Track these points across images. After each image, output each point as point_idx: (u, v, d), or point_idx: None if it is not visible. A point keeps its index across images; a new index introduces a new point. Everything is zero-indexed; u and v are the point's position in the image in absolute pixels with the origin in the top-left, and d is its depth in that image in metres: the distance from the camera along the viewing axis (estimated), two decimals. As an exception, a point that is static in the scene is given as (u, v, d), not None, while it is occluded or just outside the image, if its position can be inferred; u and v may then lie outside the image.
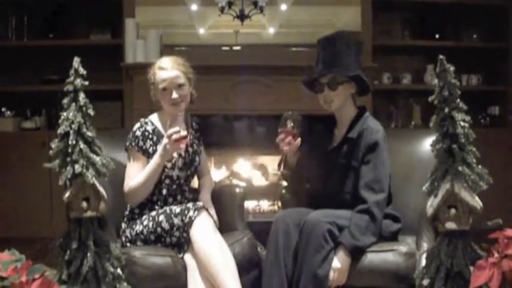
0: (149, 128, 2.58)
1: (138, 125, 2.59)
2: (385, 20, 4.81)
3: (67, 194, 2.11)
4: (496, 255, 2.02)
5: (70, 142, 2.08)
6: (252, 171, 4.75)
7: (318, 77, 2.50)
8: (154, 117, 2.65)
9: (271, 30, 4.73)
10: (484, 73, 4.83)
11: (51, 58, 4.56)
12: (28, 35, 4.68)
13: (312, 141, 2.62)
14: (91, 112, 2.14)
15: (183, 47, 4.62)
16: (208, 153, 3.05)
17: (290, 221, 2.39)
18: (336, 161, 2.52)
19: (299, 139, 2.47)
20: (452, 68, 2.08)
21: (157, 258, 2.33)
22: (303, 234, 2.30)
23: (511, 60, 4.70)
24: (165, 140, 2.42)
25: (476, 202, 2.05)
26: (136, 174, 2.50)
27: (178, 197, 2.62)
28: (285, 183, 2.97)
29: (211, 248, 2.28)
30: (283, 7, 4.65)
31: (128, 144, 2.56)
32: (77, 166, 2.07)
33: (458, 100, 2.09)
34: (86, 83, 2.14)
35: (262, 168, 4.78)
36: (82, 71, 2.12)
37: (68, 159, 2.09)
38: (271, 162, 4.71)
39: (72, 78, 2.12)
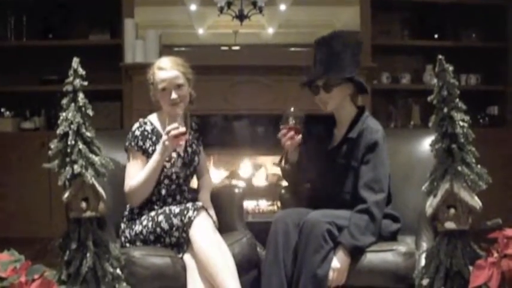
0: (148, 127, 2.58)
1: (137, 124, 2.59)
2: (384, 20, 4.81)
3: (66, 194, 2.11)
4: (496, 254, 2.02)
5: (69, 142, 2.08)
6: (252, 171, 4.75)
7: (313, 79, 2.50)
8: (153, 117, 2.65)
9: (270, 30, 4.73)
10: (483, 73, 4.83)
11: (50, 58, 4.55)
12: (27, 35, 4.68)
13: (312, 141, 2.62)
14: (90, 112, 2.14)
15: (182, 47, 4.61)
16: (208, 153, 3.05)
17: (289, 221, 2.39)
18: (335, 161, 2.52)
19: (300, 135, 2.47)
20: (451, 68, 2.08)
21: (156, 259, 2.32)
22: (303, 234, 2.30)
23: (510, 60, 4.70)
24: (164, 137, 2.42)
25: (476, 202, 2.05)
26: (137, 174, 2.50)
27: (178, 197, 2.62)
28: (284, 183, 2.97)
29: (211, 248, 2.28)
30: (282, 7, 4.65)
31: (127, 144, 2.56)
32: (76, 166, 2.07)
33: (457, 100, 2.09)
34: (85, 83, 2.14)
35: (262, 168, 4.78)
36: (81, 71, 2.13)
37: (67, 159, 2.09)
38: (271, 162, 4.71)
39: (71, 79, 2.12)
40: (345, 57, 2.45)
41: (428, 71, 4.73)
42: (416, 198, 2.44)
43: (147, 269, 2.29)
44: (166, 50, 4.28)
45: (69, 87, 2.12)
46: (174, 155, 2.57)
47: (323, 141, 2.62)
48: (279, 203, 3.62)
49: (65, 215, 2.24)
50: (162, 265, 2.32)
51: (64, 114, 2.12)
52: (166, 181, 2.57)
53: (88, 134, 2.12)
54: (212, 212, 2.59)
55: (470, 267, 2.04)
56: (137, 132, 2.56)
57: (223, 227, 2.60)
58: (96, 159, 2.12)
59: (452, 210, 2.07)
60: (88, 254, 2.10)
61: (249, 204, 4.43)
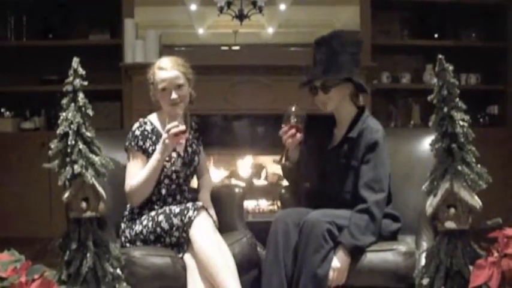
0: (148, 127, 2.59)
1: (137, 124, 2.60)
2: (384, 20, 4.81)
3: (66, 195, 2.11)
4: (496, 254, 2.02)
5: (69, 142, 2.08)
6: (252, 171, 4.75)
7: (310, 80, 2.50)
8: (153, 117, 2.65)
9: (270, 30, 4.73)
10: (483, 72, 4.83)
11: (50, 58, 4.56)
12: (27, 35, 4.68)
13: (312, 141, 2.62)
14: (90, 112, 2.14)
15: (182, 47, 4.61)
16: (208, 153, 3.05)
17: (290, 220, 2.39)
18: (335, 160, 2.52)
19: (302, 134, 2.47)
20: (451, 68, 2.08)
21: (156, 259, 2.32)
22: (303, 233, 2.30)
23: (509, 59, 4.70)
24: (164, 135, 2.42)
25: (476, 201, 2.05)
26: (137, 174, 2.50)
27: (178, 197, 2.62)
28: (285, 183, 2.96)
29: (211, 248, 2.28)
30: (282, 7, 4.65)
31: (127, 144, 2.56)
32: (76, 166, 2.07)
33: (457, 99, 2.09)
34: (85, 83, 2.14)
35: (262, 168, 4.78)
36: (81, 71, 2.13)
37: (67, 159, 2.09)
38: (271, 161, 4.71)
39: (71, 79, 2.12)
40: (344, 57, 2.45)
41: (428, 71, 4.73)
42: (417, 197, 2.44)
43: (147, 269, 2.29)
44: (166, 50, 4.28)
45: (69, 87, 2.12)
46: (174, 154, 2.57)
47: (323, 141, 2.62)
48: (279, 203, 3.62)
49: (65, 215, 2.24)
50: (162, 265, 2.32)
51: (64, 114, 2.12)
52: (166, 181, 2.58)
53: (88, 134, 2.12)
54: (212, 211, 2.59)
55: (471, 267, 2.04)
56: (137, 132, 2.56)
57: (224, 227, 2.60)
58: (96, 159, 2.12)
59: (452, 210, 2.07)
60: (88, 254, 2.10)
61: (249, 204, 4.43)
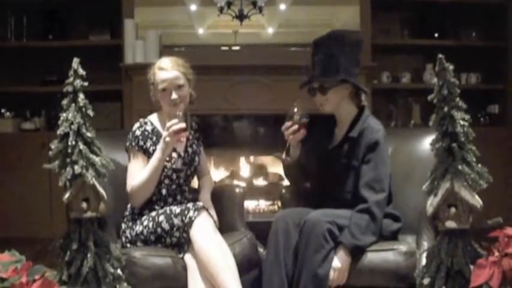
0: (149, 128, 2.59)
1: (137, 124, 2.60)
2: (384, 19, 4.81)
3: (67, 195, 2.11)
4: (497, 253, 2.02)
5: (70, 143, 2.08)
6: (252, 171, 4.75)
7: (308, 81, 2.51)
8: (153, 118, 2.65)
9: (270, 30, 4.73)
10: (483, 72, 4.82)
11: (50, 59, 4.56)
12: (27, 35, 4.68)
13: (313, 140, 2.62)
14: (90, 113, 2.14)
15: (182, 47, 4.61)
16: (208, 153, 3.05)
17: (290, 220, 2.40)
18: (336, 160, 2.52)
19: (304, 130, 2.48)
20: (451, 67, 2.08)
21: (157, 259, 2.32)
22: (303, 233, 2.30)
23: (510, 58, 4.70)
24: (164, 133, 2.42)
25: (476, 201, 2.05)
26: (138, 174, 2.50)
27: (178, 197, 2.62)
28: (285, 183, 2.97)
29: (212, 248, 2.28)
30: (282, 7, 4.65)
31: (128, 144, 2.56)
32: (76, 167, 2.07)
33: (457, 99, 2.09)
34: (86, 83, 2.14)
35: (262, 168, 4.78)
36: (81, 71, 2.12)
37: (68, 160, 2.09)
38: (271, 161, 4.71)
39: (71, 79, 2.12)
40: (343, 58, 2.44)
41: (429, 70, 4.72)
42: (417, 197, 2.44)
43: (148, 269, 2.29)
44: (166, 50, 4.29)
45: (70, 88, 2.12)
46: (174, 155, 2.57)
47: (324, 140, 2.62)
48: (279, 203, 3.62)
49: (65, 215, 2.24)
50: (162, 265, 2.32)
51: (64, 114, 2.12)
52: (166, 181, 2.58)
53: (88, 134, 2.12)
54: (213, 212, 2.59)
55: (471, 266, 2.04)
56: (138, 132, 2.56)
57: (224, 227, 2.60)
58: (96, 159, 2.12)
59: (453, 209, 2.07)
60: (89, 255, 2.10)
61: (249, 204, 4.43)
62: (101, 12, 4.63)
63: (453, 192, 2.04)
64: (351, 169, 2.47)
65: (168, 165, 2.55)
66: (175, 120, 2.40)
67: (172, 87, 2.53)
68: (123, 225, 2.55)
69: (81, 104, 2.12)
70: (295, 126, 2.46)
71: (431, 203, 2.09)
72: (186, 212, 2.36)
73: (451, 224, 2.07)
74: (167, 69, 2.54)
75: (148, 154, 2.53)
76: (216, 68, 4.30)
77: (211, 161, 4.50)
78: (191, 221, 2.32)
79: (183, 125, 2.41)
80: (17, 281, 1.96)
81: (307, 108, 2.50)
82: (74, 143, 2.08)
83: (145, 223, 2.46)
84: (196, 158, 2.70)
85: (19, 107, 4.70)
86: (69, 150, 2.09)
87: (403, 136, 2.96)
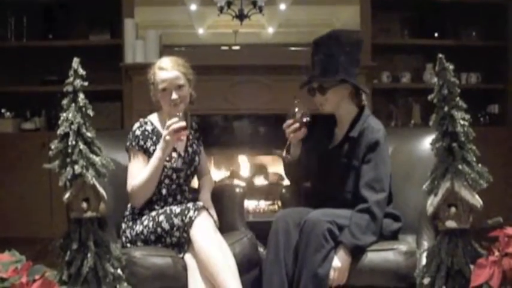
0: (149, 127, 2.59)
1: (137, 124, 2.60)
2: (384, 19, 4.81)
3: (67, 195, 2.11)
4: (497, 253, 2.02)
5: (70, 143, 2.08)
6: (252, 171, 4.74)
7: (308, 82, 2.51)
8: (153, 117, 2.65)
9: (270, 30, 4.73)
10: (483, 71, 4.82)
11: (50, 59, 4.56)
12: (27, 35, 4.67)
13: (313, 140, 2.62)
14: (90, 113, 2.14)
15: (182, 47, 4.61)
16: (208, 153, 3.05)
17: (290, 220, 2.40)
18: (336, 160, 2.52)
19: (305, 129, 2.48)
20: (451, 67, 2.08)
21: (157, 259, 2.32)
22: (303, 233, 2.30)
23: (510, 58, 4.70)
24: (164, 132, 2.42)
25: (477, 200, 2.05)
26: (139, 173, 2.50)
27: (178, 197, 2.62)
28: (285, 183, 2.97)
29: (212, 248, 2.28)
30: (282, 7, 4.65)
31: (128, 144, 2.56)
32: (76, 167, 2.07)
33: (457, 98, 2.09)
34: (86, 83, 2.14)
35: (262, 168, 4.78)
36: (81, 71, 2.12)
37: (68, 159, 2.09)
38: (272, 161, 4.71)
39: (71, 79, 2.12)
40: (343, 58, 2.44)
41: (429, 70, 4.72)
42: (417, 197, 2.44)
43: (148, 269, 2.29)
44: (166, 50, 4.28)
45: (70, 88, 2.12)
46: (174, 154, 2.57)
47: (324, 140, 2.62)
48: (279, 203, 3.62)
49: (65, 215, 2.24)
50: (163, 265, 2.32)
51: (64, 114, 2.12)
52: (166, 181, 2.58)
53: (88, 134, 2.12)
54: (213, 211, 2.59)
55: (472, 266, 2.04)
56: (138, 132, 2.56)
57: (224, 227, 2.60)
58: (96, 159, 2.12)
59: (453, 209, 2.07)
60: (89, 254, 2.10)
61: (249, 204, 4.43)
62: (101, 12, 4.63)
63: (453, 191, 2.05)
64: (351, 169, 2.47)
65: (168, 165, 2.55)
66: (175, 119, 2.40)
67: (173, 87, 2.53)
68: (123, 225, 2.55)
69: (81, 104, 2.12)
70: (297, 125, 2.46)
71: (432, 203, 2.09)
72: (186, 212, 2.36)
73: (451, 224, 2.07)
74: (167, 69, 2.54)
75: (148, 154, 2.53)
76: (216, 67, 4.30)
77: (212, 161, 4.50)
78: (191, 221, 2.32)
79: (183, 123, 2.41)
80: (17, 281, 1.96)
81: (308, 107, 2.50)
82: (74, 142, 2.08)
83: (145, 223, 2.46)
84: (197, 158, 2.70)
85: (19, 107, 4.69)
86: (69, 150, 2.09)
87: (403, 136, 2.96)
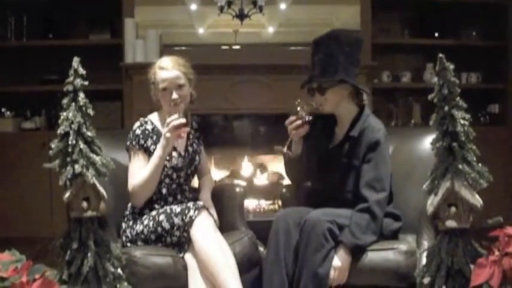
0: (149, 127, 2.59)
1: (138, 123, 2.60)
2: (385, 19, 4.81)
3: (67, 194, 2.10)
4: (497, 253, 2.02)
5: (70, 142, 2.08)
6: (252, 170, 4.74)
7: (307, 82, 2.51)
8: (154, 117, 2.65)
9: (271, 30, 4.73)
10: (483, 71, 4.83)
11: (50, 58, 4.56)
12: (27, 35, 4.67)
13: (314, 139, 2.62)
14: (91, 112, 2.14)
15: (182, 46, 4.61)
16: (209, 152, 3.05)
17: (290, 220, 2.39)
18: (337, 159, 2.52)
19: (307, 126, 2.48)
20: (451, 66, 2.08)
21: (157, 258, 2.33)
22: (304, 233, 2.30)
23: (510, 58, 4.70)
24: (164, 129, 2.42)
25: (477, 200, 2.05)
26: (139, 172, 2.50)
27: (179, 197, 2.62)
28: (285, 182, 2.97)
29: (212, 248, 2.28)
30: (283, 6, 4.65)
31: (128, 143, 2.56)
32: (77, 166, 2.07)
33: (458, 98, 2.08)
34: (86, 83, 2.14)
35: (263, 167, 4.78)
36: (81, 71, 2.12)
37: (68, 159, 2.09)
38: (272, 161, 4.71)
39: (71, 78, 2.12)
40: (343, 57, 2.44)
41: (429, 70, 4.73)
42: (417, 196, 2.44)
43: (148, 268, 2.29)
44: (166, 49, 4.29)
45: (70, 87, 2.12)
46: (174, 154, 2.57)
47: (324, 139, 2.61)
48: (279, 202, 3.62)
49: (65, 214, 2.24)
50: (163, 264, 2.32)
51: (65, 114, 2.12)
52: (167, 180, 2.58)
53: (89, 133, 2.12)
54: (213, 211, 2.59)
55: (472, 266, 2.04)
56: (138, 131, 2.56)
57: (225, 226, 2.60)
58: (97, 158, 2.12)
59: (453, 209, 2.07)
60: (89, 254, 2.10)
61: (250, 204, 4.43)
62: (101, 11, 4.63)
63: (453, 191, 2.05)
64: (351, 168, 2.47)
65: (169, 164, 2.55)
66: (175, 116, 2.40)
67: (173, 87, 2.53)
68: (124, 225, 2.55)
69: (81, 103, 2.12)
70: (299, 122, 2.47)
71: (432, 202, 2.09)
72: (186, 211, 2.36)
73: (451, 224, 2.07)
74: (168, 69, 2.54)
75: (149, 153, 2.53)
76: (216, 67, 4.30)
77: (212, 161, 4.50)
78: (191, 220, 2.32)
79: (183, 120, 2.41)
80: (17, 281, 1.96)
81: (310, 106, 2.50)
82: (74, 142, 2.08)
83: (145, 222, 2.46)
84: (197, 157, 2.70)
85: (19, 106, 4.69)
86: (70, 150, 2.08)
87: (403, 135, 2.96)
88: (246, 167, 4.74)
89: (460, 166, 2.04)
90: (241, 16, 4.38)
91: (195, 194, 2.71)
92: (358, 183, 2.42)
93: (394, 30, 4.87)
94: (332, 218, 2.31)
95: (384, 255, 2.32)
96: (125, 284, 2.18)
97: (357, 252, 2.31)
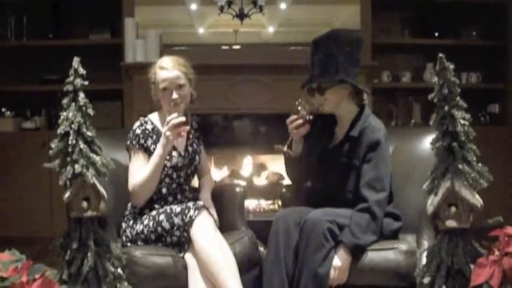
0: (149, 126, 2.59)
1: (138, 123, 2.60)
2: (385, 19, 4.81)
3: (67, 194, 2.10)
4: (497, 253, 2.02)
5: (70, 142, 2.08)
6: (252, 170, 4.74)
7: (307, 82, 2.51)
8: (154, 116, 2.65)
9: (271, 29, 4.73)
10: (483, 71, 4.82)
11: (50, 58, 4.56)
12: (27, 35, 4.67)
13: (314, 139, 2.62)
14: (91, 112, 2.14)
15: (182, 46, 4.61)
16: (209, 152, 3.05)
17: (290, 219, 2.39)
18: (337, 159, 2.52)
19: (308, 126, 2.48)
20: (451, 66, 2.08)
21: (158, 258, 2.32)
22: (304, 233, 2.30)
23: (510, 57, 4.70)
24: (164, 128, 2.42)
25: (477, 200, 2.05)
26: (140, 172, 2.50)
27: (179, 196, 2.62)
28: (285, 182, 2.97)
29: (212, 247, 2.28)
30: (283, 6, 4.65)
31: (128, 143, 2.56)
32: (77, 166, 2.07)
33: (458, 98, 2.08)
34: (86, 82, 2.14)
35: (263, 167, 4.78)
36: (82, 70, 2.12)
37: (68, 159, 2.09)
38: (272, 161, 4.71)
39: (71, 78, 2.12)
40: (343, 57, 2.43)
41: (429, 69, 4.72)
42: (417, 196, 2.44)
43: (149, 268, 2.29)
44: (166, 49, 4.29)
45: (70, 87, 2.12)
46: (174, 153, 2.57)
47: (325, 139, 2.61)
48: (279, 202, 3.62)
49: (65, 214, 2.24)
50: (163, 264, 2.32)
51: (65, 113, 2.12)
52: (167, 180, 2.58)
53: (89, 133, 2.12)
54: (213, 211, 2.59)
55: (472, 266, 2.04)
56: (138, 131, 2.56)
57: (225, 226, 2.60)
58: (97, 158, 2.12)
59: (453, 209, 2.07)
60: (89, 254, 2.10)
61: (250, 203, 4.43)
62: (101, 11, 4.63)
63: (453, 191, 2.05)
64: (351, 168, 2.47)
65: (169, 163, 2.55)
66: (175, 114, 2.41)
67: (173, 87, 2.53)
68: (124, 225, 2.55)
69: (81, 103, 2.12)
70: (300, 121, 2.47)
71: (432, 202, 2.09)
72: (186, 211, 2.36)
73: (451, 223, 2.07)
74: (168, 69, 2.54)
75: (149, 152, 2.53)
76: (216, 67, 4.30)
77: (212, 161, 4.50)
78: (191, 220, 2.32)
79: (183, 118, 2.41)
80: (17, 280, 1.96)
81: (311, 106, 2.51)
82: (74, 142, 2.08)
83: (145, 222, 2.46)
84: (197, 157, 2.70)
85: (19, 106, 4.70)
86: (70, 149, 2.08)
87: (403, 135, 2.95)
88: (246, 167, 4.74)
89: (460, 166, 2.04)
90: (241, 16, 4.39)
91: (195, 194, 2.71)
92: (358, 183, 2.42)
93: (394, 30, 4.87)
94: (332, 218, 2.31)
95: (384, 255, 2.32)
96: (125, 283, 2.18)
97: (357, 252, 2.31)
